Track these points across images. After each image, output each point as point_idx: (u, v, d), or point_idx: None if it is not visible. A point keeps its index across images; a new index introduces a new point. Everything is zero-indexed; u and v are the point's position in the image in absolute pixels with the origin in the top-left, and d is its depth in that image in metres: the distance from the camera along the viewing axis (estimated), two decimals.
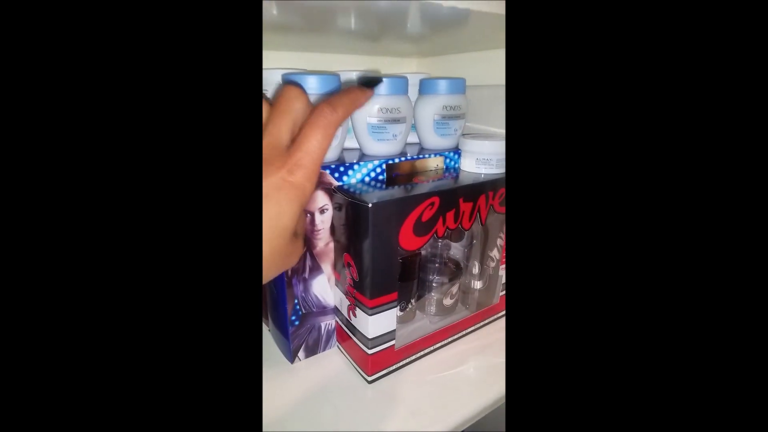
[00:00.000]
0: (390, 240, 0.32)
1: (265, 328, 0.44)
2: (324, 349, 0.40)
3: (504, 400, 0.36)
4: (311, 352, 0.39)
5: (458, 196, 0.35)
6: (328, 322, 0.39)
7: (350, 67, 0.53)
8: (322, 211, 0.35)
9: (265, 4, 0.30)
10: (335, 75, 0.34)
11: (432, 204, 0.33)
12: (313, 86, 0.33)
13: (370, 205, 0.30)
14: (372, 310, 0.33)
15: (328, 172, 0.34)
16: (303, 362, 0.39)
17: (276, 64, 0.50)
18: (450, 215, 0.35)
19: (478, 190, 0.37)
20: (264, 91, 0.36)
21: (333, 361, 0.39)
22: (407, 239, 0.33)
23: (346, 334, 0.38)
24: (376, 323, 0.34)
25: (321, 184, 0.34)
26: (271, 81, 0.39)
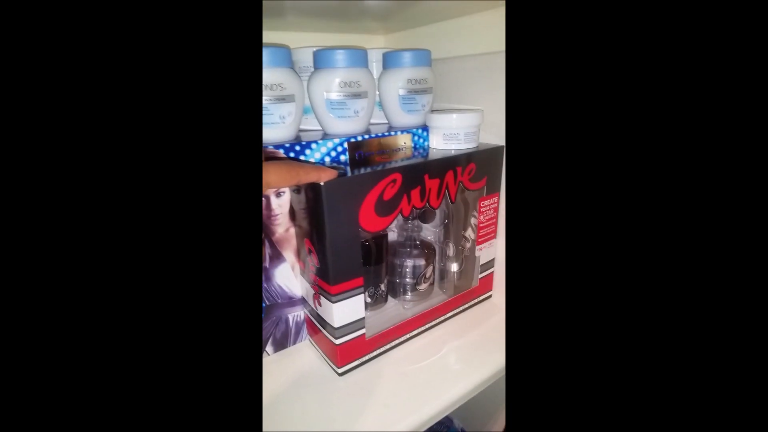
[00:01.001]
0: (349, 221, 0.30)
1: None
2: (294, 343, 0.38)
3: (481, 389, 0.34)
4: (280, 346, 0.37)
5: (423, 173, 0.33)
6: (296, 314, 0.37)
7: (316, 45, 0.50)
8: (278, 194, 0.32)
9: None
10: (285, 48, 0.32)
11: (394, 181, 0.31)
12: (264, 60, 0.30)
13: (322, 184, 0.27)
14: (335, 297, 0.31)
15: (282, 151, 0.32)
16: (272, 357, 0.37)
17: None
18: (415, 193, 0.33)
19: (444, 165, 0.35)
20: None
21: (304, 355, 0.37)
22: (369, 220, 0.31)
23: (315, 326, 0.36)
24: (342, 311, 0.32)
25: None
26: None
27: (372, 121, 0.41)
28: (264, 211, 0.32)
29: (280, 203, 0.33)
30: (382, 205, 0.31)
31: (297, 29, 0.49)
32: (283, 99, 0.31)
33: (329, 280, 0.31)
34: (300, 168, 0.24)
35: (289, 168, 0.23)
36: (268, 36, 0.50)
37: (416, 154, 0.38)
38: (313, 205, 0.29)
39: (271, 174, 0.21)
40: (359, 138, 0.36)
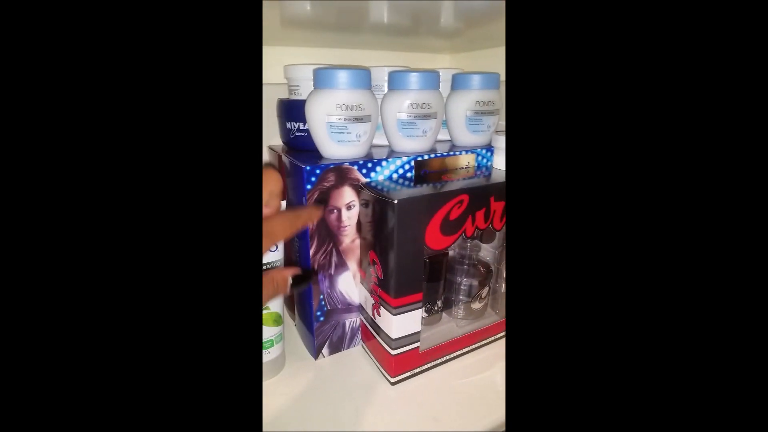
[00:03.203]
0: (416, 238, 0.31)
1: (291, 322, 0.44)
2: (348, 347, 0.40)
3: None
4: (335, 349, 0.39)
5: (489, 195, 0.34)
6: (352, 320, 0.39)
7: (381, 63, 0.53)
8: (348, 207, 0.34)
9: (299, 2, 0.30)
10: (366, 70, 0.34)
11: (461, 202, 0.32)
12: (344, 81, 0.32)
13: (396, 202, 0.29)
14: (396, 310, 0.32)
15: (356, 168, 0.34)
16: (327, 359, 0.39)
17: (308, 60, 0.51)
18: (480, 214, 0.34)
19: None
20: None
21: (356, 359, 0.39)
22: (434, 238, 0.32)
23: (370, 333, 0.37)
24: (400, 324, 0.33)
25: (348, 179, 0.34)
26: (302, 77, 0.39)
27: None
28: (335, 223, 0.34)
29: (349, 216, 0.35)
30: (448, 224, 0.32)
31: (365, 47, 0.52)
32: (360, 119, 0.33)
33: (391, 293, 0.32)
34: (296, 216, 0.27)
35: (291, 218, 0.26)
36: (338, 53, 0.53)
37: (479, 173, 0.39)
38: (383, 220, 0.31)
39: (276, 226, 0.24)
40: (425, 156, 0.37)
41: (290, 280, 0.26)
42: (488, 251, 0.40)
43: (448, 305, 0.40)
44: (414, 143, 0.38)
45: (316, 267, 0.35)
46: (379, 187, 0.33)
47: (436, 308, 0.38)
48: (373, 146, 0.42)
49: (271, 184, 0.24)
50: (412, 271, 0.32)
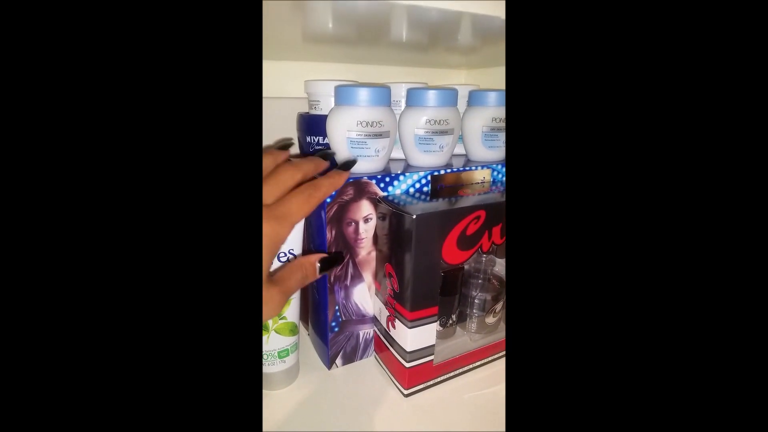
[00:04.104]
0: (433, 253, 0.32)
1: (304, 332, 0.45)
2: (361, 358, 0.40)
3: None
4: (348, 359, 0.39)
5: (505, 210, 0.34)
6: (366, 331, 0.39)
7: (398, 78, 0.54)
8: (366, 220, 0.35)
9: (321, 18, 0.31)
10: (386, 88, 0.34)
11: (477, 218, 0.33)
12: (365, 99, 0.33)
13: (414, 216, 0.30)
14: (412, 323, 0.33)
15: (374, 182, 0.34)
16: (340, 369, 0.39)
17: (328, 75, 0.52)
18: (496, 230, 0.34)
19: None
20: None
21: (369, 370, 0.39)
22: (450, 253, 0.32)
23: (384, 344, 0.38)
24: (415, 337, 0.33)
25: (366, 193, 0.34)
26: (323, 92, 0.40)
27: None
28: (352, 235, 0.35)
29: (366, 228, 0.35)
30: (465, 239, 0.33)
31: (385, 62, 0.53)
32: (380, 135, 0.34)
33: (407, 306, 0.32)
34: (315, 188, 0.24)
35: (309, 192, 0.23)
36: (354, 68, 0.54)
37: (494, 188, 0.39)
38: (400, 234, 0.31)
39: (293, 206, 0.22)
40: (442, 171, 0.38)
41: (318, 265, 0.26)
42: (502, 266, 0.41)
43: (461, 319, 0.40)
44: (430, 158, 0.38)
45: (332, 278, 0.35)
46: (396, 201, 0.33)
47: (450, 322, 0.38)
48: (390, 160, 0.42)
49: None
50: (429, 285, 0.33)
